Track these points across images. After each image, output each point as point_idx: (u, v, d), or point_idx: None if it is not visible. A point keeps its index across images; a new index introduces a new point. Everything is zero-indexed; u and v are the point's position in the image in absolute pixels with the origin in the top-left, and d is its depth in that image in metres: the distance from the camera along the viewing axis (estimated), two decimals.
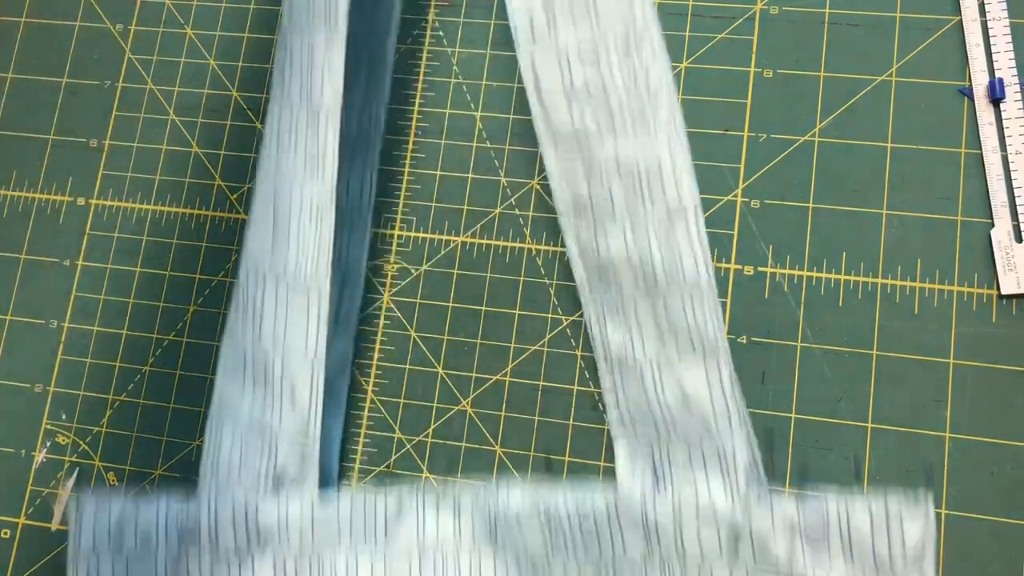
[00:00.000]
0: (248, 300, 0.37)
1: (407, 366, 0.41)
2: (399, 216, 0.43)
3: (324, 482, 0.38)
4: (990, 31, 0.41)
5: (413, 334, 0.41)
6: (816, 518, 0.33)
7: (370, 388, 0.41)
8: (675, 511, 0.34)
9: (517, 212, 0.42)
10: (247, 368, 0.37)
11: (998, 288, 0.39)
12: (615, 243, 0.35)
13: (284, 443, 0.36)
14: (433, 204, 0.43)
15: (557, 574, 0.35)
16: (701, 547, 0.33)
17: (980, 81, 0.41)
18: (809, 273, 0.40)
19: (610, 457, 0.39)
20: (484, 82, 0.44)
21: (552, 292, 0.41)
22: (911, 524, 0.32)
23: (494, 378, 0.40)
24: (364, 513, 0.36)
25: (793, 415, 0.39)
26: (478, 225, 0.42)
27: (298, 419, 0.36)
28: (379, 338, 0.41)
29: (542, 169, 0.43)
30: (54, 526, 0.41)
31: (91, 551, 0.36)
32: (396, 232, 0.43)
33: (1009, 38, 0.41)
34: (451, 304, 0.41)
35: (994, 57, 0.41)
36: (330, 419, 0.40)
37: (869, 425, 0.38)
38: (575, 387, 0.40)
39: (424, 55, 0.45)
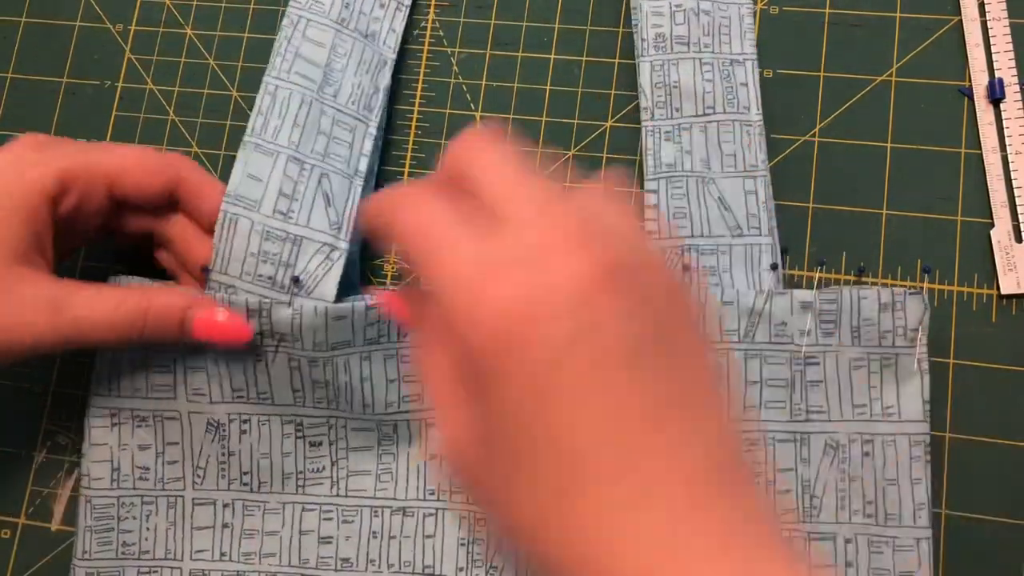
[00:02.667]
0: (284, 116, 0.39)
1: None
2: None
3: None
4: (990, 31, 0.41)
5: None
6: (830, 302, 0.36)
7: None
8: (699, 300, 0.37)
9: None
10: (275, 169, 0.38)
11: (998, 288, 0.39)
12: (684, 75, 0.40)
13: (309, 246, 0.38)
14: None
15: None
16: (722, 332, 0.37)
17: (980, 81, 0.41)
18: (809, 273, 0.40)
19: None
20: (484, 82, 0.44)
21: None
22: (911, 309, 0.36)
23: None
24: (378, 317, 0.37)
25: None
26: None
27: (330, 224, 0.38)
28: None
29: (542, 169, 0.43)
30: (54, 526, 0.41)
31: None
32: None
33: (1009, 38, 0.41)
34: None
35: (994, 57, 0.41)
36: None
37: None
38: None
39: (424, 55, 0.45)
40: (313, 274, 0.37)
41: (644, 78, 0.41)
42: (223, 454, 0.38)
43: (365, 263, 0.42)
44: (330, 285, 0.37)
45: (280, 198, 0.38)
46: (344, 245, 0.38)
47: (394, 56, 0.43)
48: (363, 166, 0.40)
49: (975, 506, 0.37)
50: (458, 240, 0.25)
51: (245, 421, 0.38)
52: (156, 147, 0.45)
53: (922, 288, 0.38)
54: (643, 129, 0.40)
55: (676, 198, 0.39)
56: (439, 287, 0.25)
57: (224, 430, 0.38)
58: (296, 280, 0.37)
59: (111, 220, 0.38)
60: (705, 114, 0.40)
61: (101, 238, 0.40)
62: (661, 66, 0.41)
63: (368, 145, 0.41)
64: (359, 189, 0.40)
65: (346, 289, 0.38)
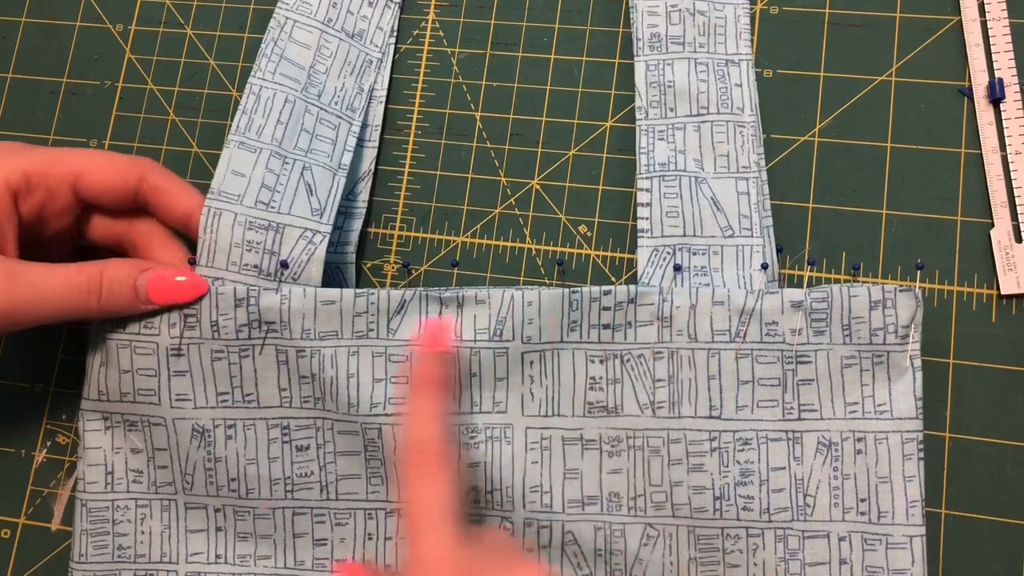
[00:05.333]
0: (268, 115, 0.39)
1: None
2: (399, 216, 0.43)
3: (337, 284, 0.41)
4: (990, 31, 0.41)
5: None
6: (821, 300, 0.36)
7: None
8: (691, 299, 0.37)
9: (517, 212, 0.42)
10: (257, 164, 0.38)
11: (998, 288, 0.39)
12: (679, 74, 0.40)
13: (291, 232, 0.38)
14: (433, 204, 0.43)
15: (565, 361, 0.37)
16: (712, 332, 0.37)
17: (980, 81, 0.41)
18: (809, 273, 0.40)
19: None
20: (484, 82, 0.44)
21: None
22: (902, 305, 0.36)
23: None
24: (367, 307, 0.37)
25: None
26: (478, 225, 0.42)
27: (312, 211, 0.39)
28: None
29: (542, 169, 0.43)
30: (54, 526, 0.41)
31: (97, 332, 0.38)
32: (396, 232, 0.43)
33: (1009, 38, 0.41)
34: None
35: (994, 57, 0.41)
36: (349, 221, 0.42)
37: None
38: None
39: (424, 55, 0.45)
40: (298, 260, 0.38)
41: (639, 77, 0.41)
42: (209, 461, 0.38)
43: (361, 261, 0.42)
44: (315, 269, 0.38)
45: (262, 190, 0.38)
46: (326, 228, 0.39)
47: (380, 55, 0.44)
48: (346, 160, 0.41)
49: (974, 506, 0.37)
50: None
51: (231, 426, 0.38)
52: (156, 147, 0.45)
53: (917, 286, 0.38)
54: (637, 128, 0.40)
55: (669, 197, 0.39)
56: None
57: (209, 436, 0.38)
58: (284, 264, 0.37)
59: (82, 226, 0.39)
60: (699, 114, 0.40)
61: (74, 248, 0.40)
62: (656, 65, 0.41)
63: (352, 142, 0.41)
64: (342, 181, 0.40)
65: None
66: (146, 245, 0.39)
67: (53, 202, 0.37)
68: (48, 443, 0.42)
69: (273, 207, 0.38)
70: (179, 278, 0.37)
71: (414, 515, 0.32)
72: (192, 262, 0.38)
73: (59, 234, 0.38)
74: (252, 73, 0.40)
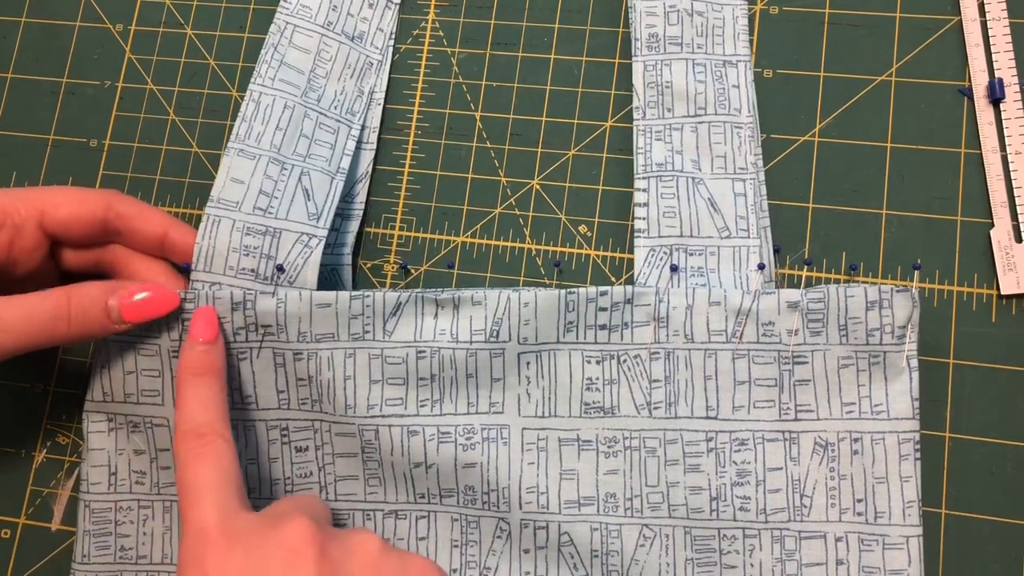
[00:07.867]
0: (267, 121, 0.40)
1: None
2: (399, 216, 0.43)
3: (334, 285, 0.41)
4: (990, 31, 0.41)
5: None
6: (817, 300, 0.36)
7: None
8: (687, 299, 0.37)
9: (517, 212, 0.42)
10: (256, 171, 0.39)
11: (998, 288, 0.39)
12: (677, 75, 0.40)
13: (288, 237, 0.38)
14: (433, 204, 0.43)
15: (562, 362, 0.37)
16: (709, 332, 0.37)
17: (980, 81, 0.41)
18: (809, 273, 0.40)
19: None
20: (484, 82, 0.44)
21: None
22: (899, 306, 0.36)
23: None
24: (363, 310, 0.37)
25: None
26: (478, 225, 0.42)
27: (308, 216, 0.39)
28: None
29: (542, 169, 0.43)
30: (54, 526, 0.41)
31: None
32: (396, 232, 0.43)
33: (1009, 38, 0.41)
34: None
35: (994, 57, 0.41)
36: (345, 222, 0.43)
37: None
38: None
39: (424, 55, 0.45)
40: (294, 263, 0.38)
41: (637, 77, 0.41)
42: None
43: (357, 260, 0.42)
44: (310, 273, 0.38)
45: (260, 196, 0.38)
46: (322, 233, 0.39)
47: (381, 56, 0.44)
48: (345, 164, 0.41)
49: (974, 505, 0.37)
50: None
51: (232, 427, 0.38)
52: (156, 146, 0.45)
53: (913, 286, 0.38)
54: (635, 128, 0.40)
55: (666, 197, 0.39)
56: None
57: None
58: (280, 268, 0.38)
59: (58, 260, 0.39)
60: (696, 115, 0.40)
61: (57, 282, 0.40)
62: (654, 66, 0.41)
63: (351, 145, 0.41)
64: (340, 185, 0.40)
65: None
66: (125, 262, 0.39)
67: (21, 240, 0.37)
68: (48, 443, 0.42)
69: (271, 213, 0.38)
70: (142, 295, 0.36)
71: (188, 490, 0.32)
72: (186, 268, 0.38)
73: (34, 272, 0.38)
74: (252, 79, 0.40)
